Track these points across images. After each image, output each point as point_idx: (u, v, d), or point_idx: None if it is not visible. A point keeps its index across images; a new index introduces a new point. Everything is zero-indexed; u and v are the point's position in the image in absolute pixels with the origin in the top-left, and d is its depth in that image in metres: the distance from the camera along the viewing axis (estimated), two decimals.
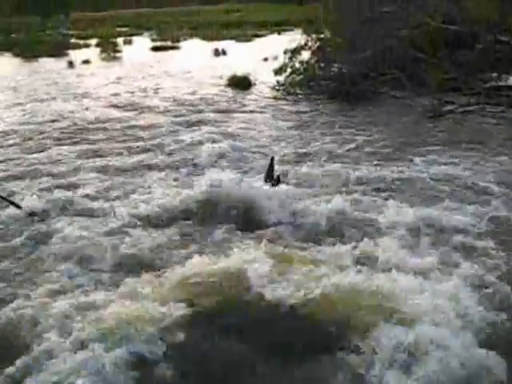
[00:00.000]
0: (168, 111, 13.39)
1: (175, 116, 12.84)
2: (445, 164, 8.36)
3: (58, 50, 29.90)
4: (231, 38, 34.57)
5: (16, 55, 30.55)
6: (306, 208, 6.48)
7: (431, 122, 11.30)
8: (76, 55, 28.10)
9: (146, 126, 11.82)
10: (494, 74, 14.16)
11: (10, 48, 32.98)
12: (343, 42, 15.32)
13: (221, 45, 28.64)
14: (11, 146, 10.48)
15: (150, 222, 6.36)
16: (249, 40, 34.80)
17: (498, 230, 5.99)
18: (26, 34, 42.30)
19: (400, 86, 13.67)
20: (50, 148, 10.22)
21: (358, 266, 4.96)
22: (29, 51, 29.90)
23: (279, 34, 39.37)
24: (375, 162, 8.63)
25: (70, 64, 24.33)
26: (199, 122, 11.98)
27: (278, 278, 4.72)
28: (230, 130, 11.23)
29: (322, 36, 16.17)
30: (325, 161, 8.80)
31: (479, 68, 13.46)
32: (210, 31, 39.28)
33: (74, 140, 10.80)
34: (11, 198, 7.01)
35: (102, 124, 12.13)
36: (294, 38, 17.27)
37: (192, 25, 47.58)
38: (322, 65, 15.43)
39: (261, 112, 13.05)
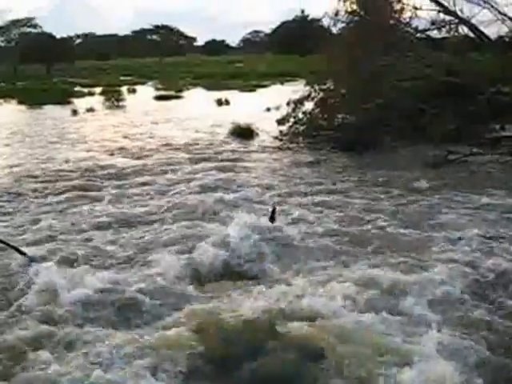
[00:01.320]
0: (171, 160, 13.36)
1: (178, 164, 12.82)
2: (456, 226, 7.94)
3: (62, 98, 30.28)
4: (234, 88, 35.00)
5: (21, 103, 30.94)
6: None
7: (434, 173, 11.26)
8: (80, 103, 28.47)
9: (150, 174, 11.77)
10: (497, 125, 14.31)
11: (16, 95, 33.46)
12: (346, 93, 15.44)
13: (224, 95, 28.95)
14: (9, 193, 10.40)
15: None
16: (252, 90, 35.26)
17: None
18: (31, 82, 43.01)
19: (403, 136, 13.72)
20: (46, 196, 10.13)
21: None
22: (33, 99, 30.30)
23: (282, 84, 40.01)
24: (375, 220, 8.38)
25: (74, 112, 24.51)
26: (201, 171, 11.93)
27: None
28: (232, 179, 11.18)
29: (325, 86, 16.29)
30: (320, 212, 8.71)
31: (482, 118, 13.57)
32: (213, 81, 39.87)
33: (73, 187, 10.72)
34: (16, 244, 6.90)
35: (103, 171, 12.09)
36: (297, 88, 17.44)
37: (195, 75, 48.34)
38: (325, 115, 15.51)
39: (263, 162, 13.01)
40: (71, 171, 12.21)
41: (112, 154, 14.36)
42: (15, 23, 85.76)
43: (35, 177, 11.71)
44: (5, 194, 10.21)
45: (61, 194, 10.22)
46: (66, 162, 13.41)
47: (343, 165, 12.46)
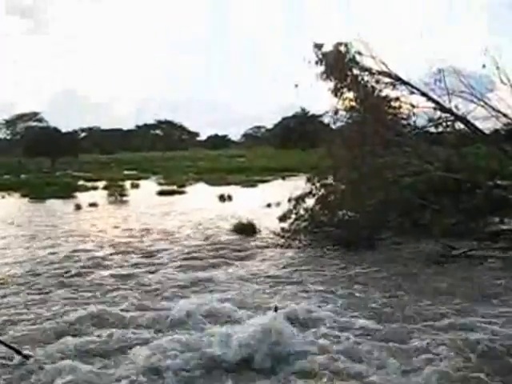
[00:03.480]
0: (171, 256, 13.45)
1: (179, 260, 12.91)
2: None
3: (65, 192, 30.73)
4: (236, 184, 35.55)
5: (24, 196, 31.35)
6: None
7: (435, 269, 11.31)
8: (83, 198, 28.87)
9: (149, 272, 11.82)
10: (497, 219, 14.48)
11: (19, 188, 33.96)
12: (346, 189, 15.70)
13: (226, 190, 29.37)
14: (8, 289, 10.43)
15: None
16: (253, 185, 35.78)
17: None
18: (35, 175, 43.73)
19: (404, 232, 13.84)
20: (47, 292, 10.16)
21: None
22: (37, 192, 30.75)
23: (284, 179, 40.68)
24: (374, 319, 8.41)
25: (77, 207, 24.74)
26: (202, 268, 12.02)
27: None
28: (235, 275, 11.23)
29: (326, 182, 16.58)
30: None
31: (481, 212, 13.78)
32: (215, 176, 40.56)
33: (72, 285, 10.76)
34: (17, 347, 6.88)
35: (104, 269, 12.16)
36: (298, 183, 17.72)
37: (198, 169, 49.20)
38: (327, 212, 15.71)
39: (265, 260, 13.03)
40: (67, 267, 12.32)
41: (114, 251, 14.41)
42: (21, 117, 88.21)
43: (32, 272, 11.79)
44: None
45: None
46: (66, 257, 13.54)
47: (344, 263, 12.45)
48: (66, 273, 11.82)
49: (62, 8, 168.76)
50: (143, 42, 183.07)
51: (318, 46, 16.28)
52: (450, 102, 15.17)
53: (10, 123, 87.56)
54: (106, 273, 11.83)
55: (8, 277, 11.53)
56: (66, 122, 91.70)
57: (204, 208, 23.59)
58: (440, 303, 8.99)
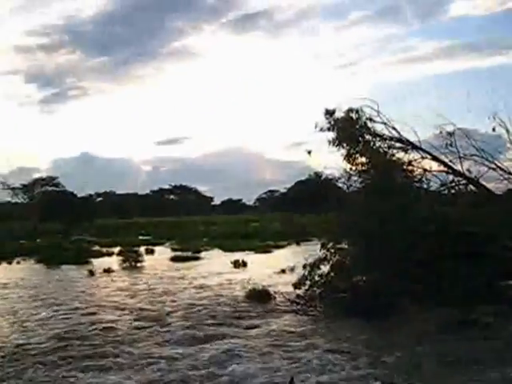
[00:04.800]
0: (186, 323, 13.41)
1: (190, 329, 12.87)
2: None
3: (80, 258, 30.77)
4: (250, 249, 35.45)
5: (38, 261, 31.45)
6: None
7: (452, 336, 11.11)
8: (98, 263, 28.91)
9: (161, 341, 11.78)
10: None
11: (34, 254, 34.11)
12: (361, 255, 15.62)
13: (241, 256, 29.26)
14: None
15: None
16: (268, 251, 35.67)
17: None
18: (50, 240, 43.98)
19: (420, 296, 13.68)
20: (58, 367, 10.10)
21: None
22: (51, 258, 30.85)
23: (298, 244, 40.53)
24: None
25: (91, 273, 24.74)
26: (215, 337, 11.94)
27: None
28: (249, 346, 11.10)
29: (340, 246, 16.52)
30: None
31: (496, 276, 13.60)
32: (229, 242, 40.53)
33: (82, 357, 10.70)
34: None
35: (118, 339, 12.13)
36: (313, 248, 17.67)
37: (213, 234, 49.25)
38: (342, 277, 15.58)
39: (280, 329, 12.86)
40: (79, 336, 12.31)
41: (127, 319, 14.38)
42: (38, 182, 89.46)
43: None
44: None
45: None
46: (79, 324, 13.52)
47: (360, 330, 12.32)
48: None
49: (77, 76, 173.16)
50: (155, 107, 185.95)
51: (330, 113, 16.56)
52: (461, 165, 15.30)
53: (28, 188, 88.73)
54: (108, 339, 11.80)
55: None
56: (81, 186, 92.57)
57: (218, 274, 23.52)
58: (461, 372, 8.84)
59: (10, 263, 31.85)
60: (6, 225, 62.42)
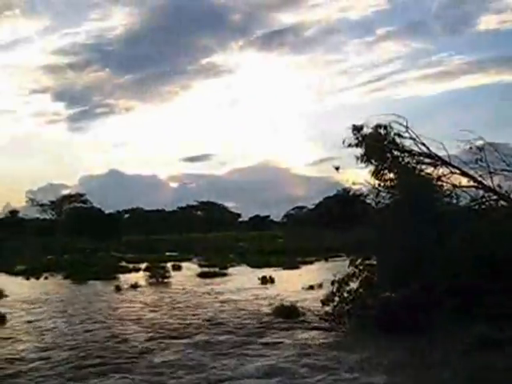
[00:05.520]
0: (212, 339, 13.45)
1: (217, 345, 12.88)
2: None
3: (107, 274, 31.06)
4: (279, 265, 35.44)
5: (66, 277, 31.82)
6: None
7: (489, 353, 10.94)
8: (125, 279, 29.18)
9: (188, 359, 11.81)
10: None
11: (61, 269, 34.53)
12: (390, 271, 15.54)
13: (268, 272, 29.30)
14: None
15: None
16: (295, 267, 35.60)
17: None
18: (77, 256, 44.52)
19: (452, 313, 13.54)
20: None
21: None
22: (78, 274, 31.20)
23: (326, 260, 40.45)
24: None
25: (117, 288, 24.96)
26: (244, 356, 11.91)
27: None
28: (278, 365, 11.09)
29: (369, 262, 16.46)
30: None
31: None
32: (257, 258, 40.59)
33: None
34: None
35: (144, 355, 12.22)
36: (341, 264, 17.62)
37: (240, 250, 49.36)
38: (371, 294, 15.51)
39: (309, 345, 12.83)
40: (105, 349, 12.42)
41: (148, 332, 14.50)
42: (67, 198, 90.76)
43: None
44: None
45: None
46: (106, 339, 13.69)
47: (391, 347, 12.20)
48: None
49: (105, 93, 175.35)
50: (182, 124, 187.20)
51: (358, 129, 16.61)
52: (491, 180, 15.20)
53: (56, 204, 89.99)
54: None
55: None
56: (109, 203, 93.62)
57: (245, 290, 23.57)
58: None
59: (37, 278, 32.27)
60: (34, 240, 63.37)
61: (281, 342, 13.05)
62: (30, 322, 16.86)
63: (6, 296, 22.81)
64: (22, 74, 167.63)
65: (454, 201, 16.21)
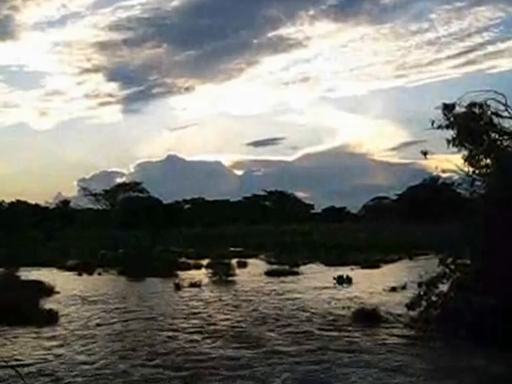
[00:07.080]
0: (283, 350, 13.46)
1: (293, 356, 12.84)
2: None
3: (165, 271, 31.50)
4: (356, 263, 35.22)
5: (120, 273, 32.51)
6: None
7: None
8: (185, 276, 29.58)
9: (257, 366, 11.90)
10: None
11: (116, 264, 35.12)
12: (487, 271, 15.14)
13: (345, 271, 29.15)
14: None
15: None
16: (376, 266, 35.29)
17: None
18: (133, 251, 45.27)
19: None
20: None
21: None
22: (135, 270, 31.73)
23: (411, 258, 39.92)
24: None
25: (177, 286, 25.35)
26: (322, 364, 11.91)
27: None
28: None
29: (462, 261, 16.11)
30: None
31: None
32: (332, 254, 40.33)
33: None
34: None
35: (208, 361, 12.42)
36: (429, 264, 17.30)
37: (313, 246, 49.14)
38: (463, 298, 15.18)
39: (392, 359, 12.59)
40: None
41: (213, 340, 14.67)
42: (122, 187, 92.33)
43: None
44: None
45: None
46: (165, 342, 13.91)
47: (487, 363, 11.89)
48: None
49: (162, 72, 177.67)
50: (246, 104, 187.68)
51: (449, 108, 16.22)
52: None
53: (110, 193, 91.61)
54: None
55: None
56: (168, 192, 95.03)
57: (320, 292, 23.49)
58: None
59: (90, 274, 33.25)
60: (86, 233, 64.97)
61: (353, 351, 12.95)
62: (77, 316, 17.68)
63: (58, 292, 23.56)
64: (73, 53, 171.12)
65: None
